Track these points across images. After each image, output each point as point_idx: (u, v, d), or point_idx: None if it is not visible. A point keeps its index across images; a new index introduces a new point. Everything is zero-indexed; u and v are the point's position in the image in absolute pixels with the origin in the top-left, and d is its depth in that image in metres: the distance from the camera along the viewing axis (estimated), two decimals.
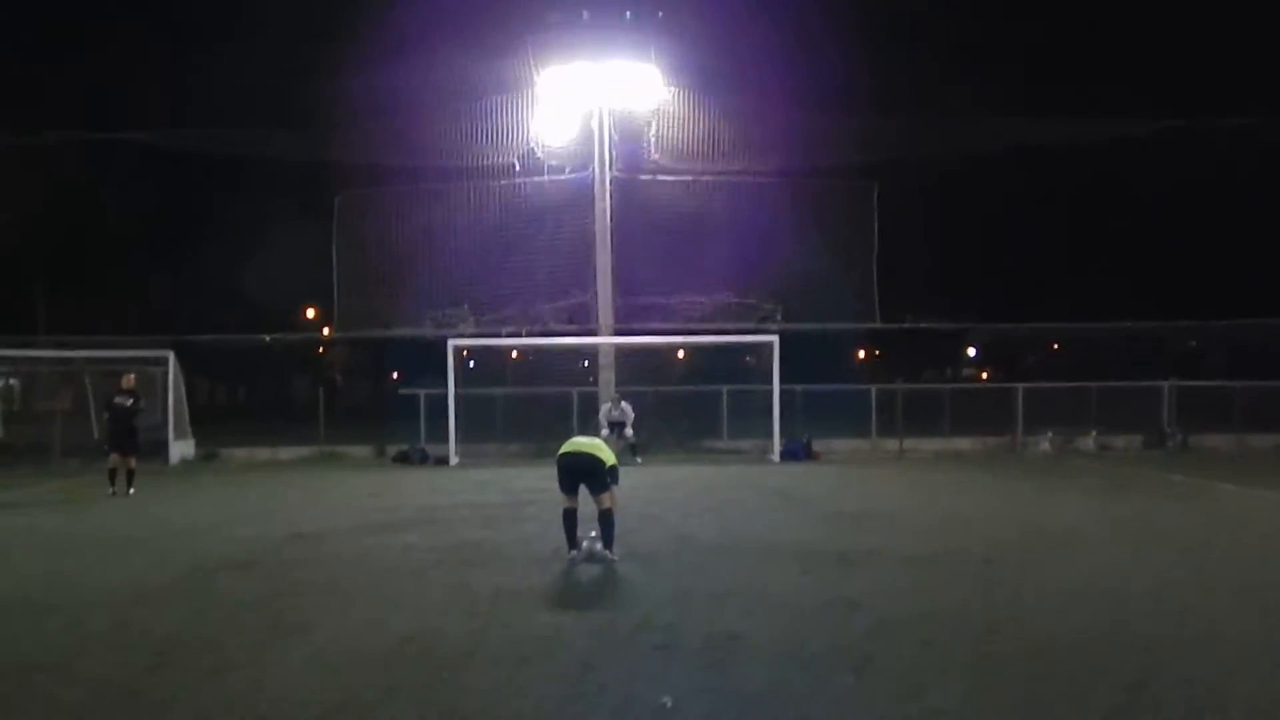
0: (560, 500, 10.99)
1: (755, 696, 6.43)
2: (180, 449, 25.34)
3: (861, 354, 68.17)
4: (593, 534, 11.24)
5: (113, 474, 18.00)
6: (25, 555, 12.20)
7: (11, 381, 29.21)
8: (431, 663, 7.25)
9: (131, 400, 18.37)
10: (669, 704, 6.23)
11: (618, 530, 10.99)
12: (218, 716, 6.24)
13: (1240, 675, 6.95)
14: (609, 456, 10.69)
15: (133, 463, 18.14)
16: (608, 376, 25.37)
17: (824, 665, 7.09)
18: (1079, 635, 7.90)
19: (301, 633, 8.14)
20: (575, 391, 27.20)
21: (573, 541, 10.78)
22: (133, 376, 19.25)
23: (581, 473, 10.63)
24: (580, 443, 10.95)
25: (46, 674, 7.19)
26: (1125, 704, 6.35)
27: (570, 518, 10.83)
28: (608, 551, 10.62)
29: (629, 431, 23.41)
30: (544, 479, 19.32)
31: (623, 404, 23.66)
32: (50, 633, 8.37)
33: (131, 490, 17.85)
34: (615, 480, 10.78)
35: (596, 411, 24.42)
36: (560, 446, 10.98)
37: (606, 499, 10.63)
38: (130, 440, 18.20)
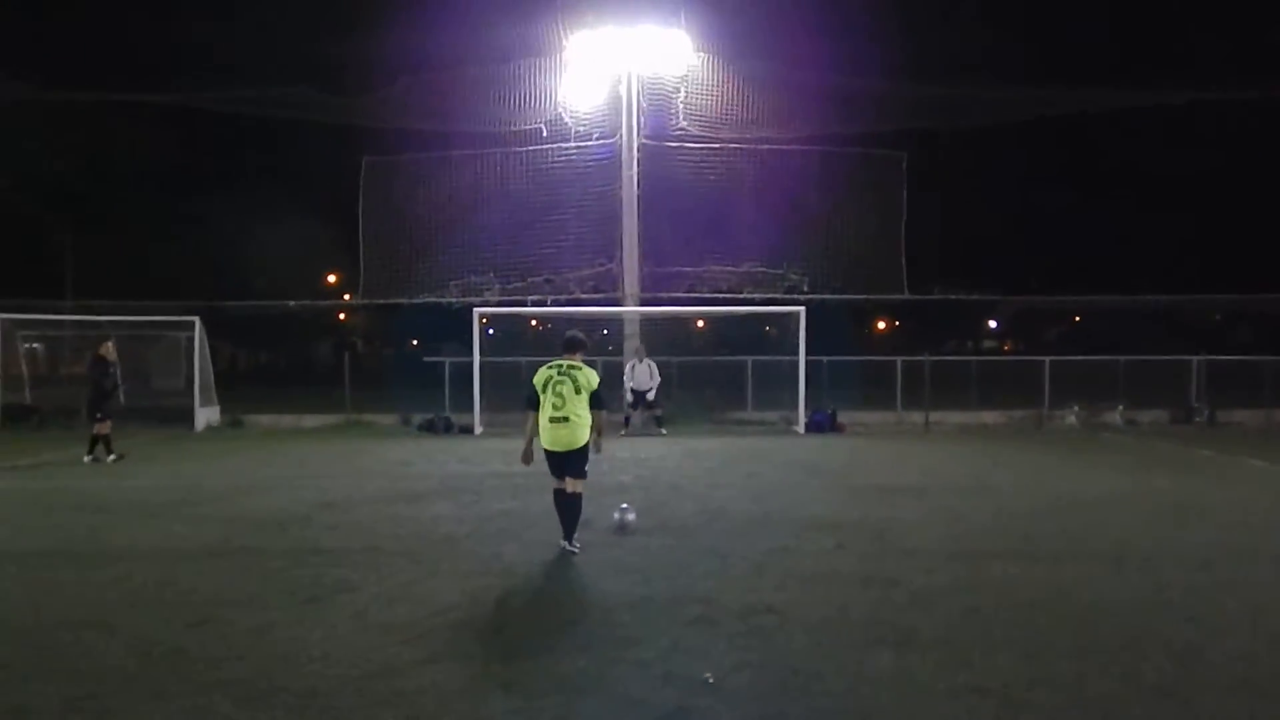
0: (551, 483, 10.19)
1: (797, 671, 6.39)
2: (205, 415, 25.40)
3: (882, 325, 67.98)
4: (624, 505, 11.23)
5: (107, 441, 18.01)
6: (65, 515, 12.26)
7: (35, 346, 29.30)
8: (471, 630, 7.28)
9: (113, 368, 18.46)
10: (711, 680, 6.20)
11: (648, 502, 10.90)
12: (264, 675, 6.29)
13: None
14: (584, 434, 9.86)
15: (108, 428, 18.06)
16: (634, 345, 25.25)
17: (865, 638, 7.06)
18: (1122, 608, 7.87)
19: (342, 595, 8.18)
20: (600, 361, 27.14)
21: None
22: (111, 344, 19.13)
23: (564, 461, 9.90)
24: (559, 433, 9.77)
25: (94, 630, 7.28)
26: (1175, 675, 6.32)
27: (560, 496, 10.06)
28: (566, 543, 9.85)
29: (652, 398, 23.24)
30: None
31: (648, 362, 23.44)
32: (95, 590, 8.46)
33: (89, 458, 17.75)
34: (586, 459, 10.04)
35: (621, 379, 24.24)
36: (546, 421, 9.84)
37: (579, 483, 10.00)
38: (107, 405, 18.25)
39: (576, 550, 9.78)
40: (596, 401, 9.93)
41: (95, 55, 39.52)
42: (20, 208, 38.25)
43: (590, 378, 9.92)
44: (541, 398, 9.84)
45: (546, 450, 9.91)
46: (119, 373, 18.90)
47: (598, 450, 10.15)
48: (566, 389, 9.78)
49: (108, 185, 40.52)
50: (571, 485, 9.91)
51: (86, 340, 26.72)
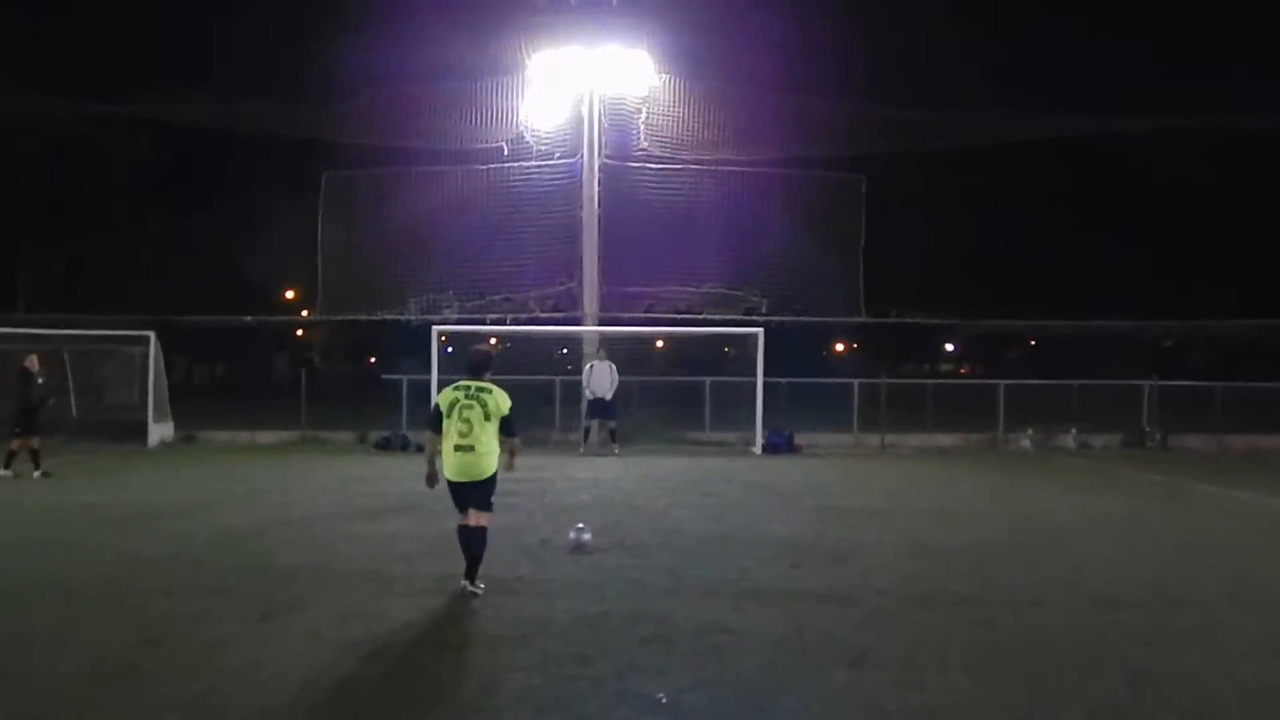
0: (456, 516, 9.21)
1: (751, 689, 6.42)
2: (159, 431, 25.12)
3: (840, 347, 68.36)
4: (580, 525, 11.22)
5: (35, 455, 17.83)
6: (11, 531, 12.11)
7: None
8: (426, 648, 7.27)
9: (38, 382, 18.35)
10: (664, 700, 6.21)
11: (604, 521, 10.80)
12: (217, 692, 6.25)
13: (1239, 667, 7.04)
14: (491, 464, 8.91)
15: (35, 443, 17.90)
16: (591, 351, 25.12)
17: (820, 657, 7.11)
18: (1076, 628, 7.98)
19: (295, 613, 8.13)
20: (558, 380, 27.12)
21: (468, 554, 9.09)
22: (35, 357, 18.98)
23: (469, 492, 8.96)
24: (464, 462, 8.81)
25: (43, 647, 7.20)
26: (1127, 695, 6.42)
27: (465, 533, 9.07)
28: (467, 583, 8.86)
29: (610, 398, 23.13)
30: (526, 468, 19.33)
31: (608, 362, 23.32)
32: (44, 607, 8.37)
33: (5, 471, 17.52)
34: (493, 491, 9.10)
35: (579, 398, 24.18)
36: (450, 449, 8.87)
37: (484, 516, 9.04)
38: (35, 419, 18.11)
39: (480, 591, 8.78)
40: (508, 429, 9.04)
41: (54, 63, 39.17)
42: None
43: (501, 402, 8.93)
44: (446, 423, 8.88)
45: (449, 480, 8.94)
46: (46, 386, 18.73)
47: (509, 469, 9.25)
48: (474, 415, 8.82)
49: (63, 195, 40.06)
50: (475, 518, 8.96)
51: (40, 354, 26.40)
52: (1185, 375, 33.59)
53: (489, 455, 8.89)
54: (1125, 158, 43.98)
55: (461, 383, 9.10)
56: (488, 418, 8.85)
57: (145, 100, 29.25)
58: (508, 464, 9.22)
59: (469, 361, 9.33)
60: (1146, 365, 33.76)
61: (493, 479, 9.00)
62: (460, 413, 8.85)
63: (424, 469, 9.02)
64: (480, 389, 8.98)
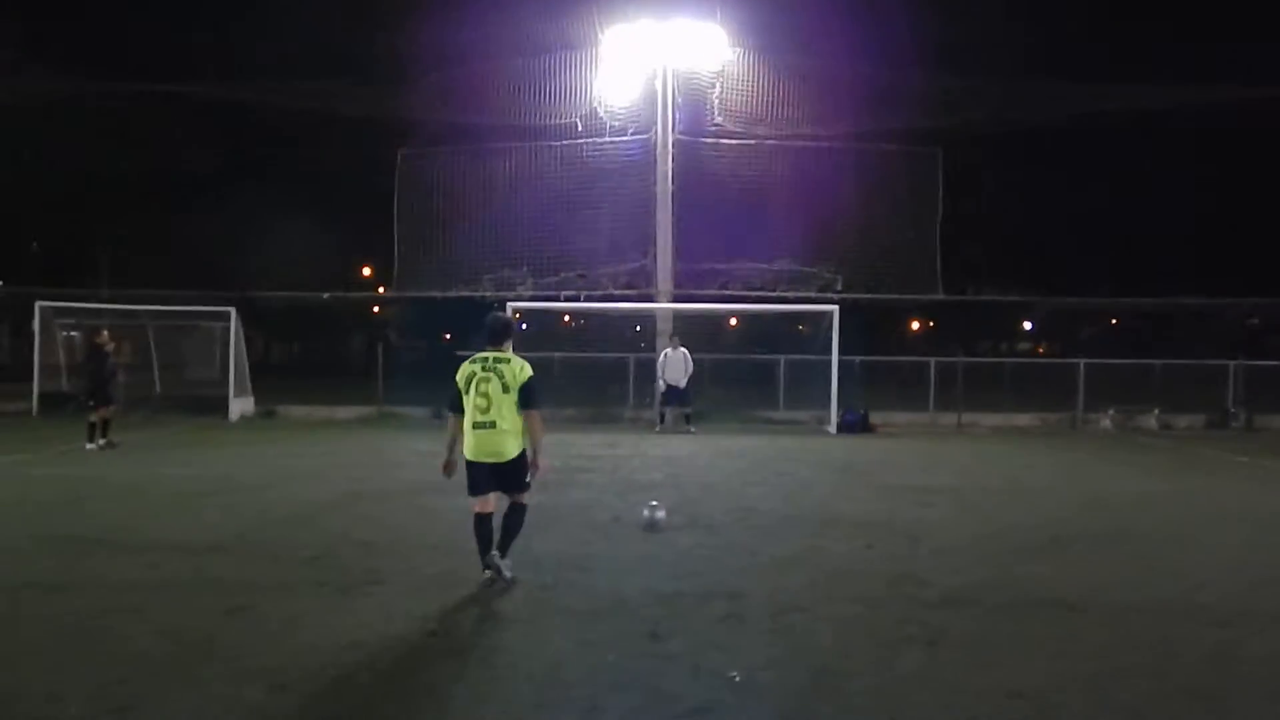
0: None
1: (825, 669, 6.36)
2: (240, 405, 25.57)
3: (916, 325, 67.64)
4: (654, 502, 11.20)
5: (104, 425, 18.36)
6: (98, 503, 12.33)
7: (73, 334, 29.56)
8: (500, 623, 7.30)
9: (110, 357, 19.06)
10: (738, 678, 6.17)
11: (678, 499, 10.70)
12: (295, 664, 6.30)
13: None
14: (515, 443, 8.20)
15: (107, 413, 18.48)
16: (666, 336, 25.15)
17: (895, 637, 7.03)
18: (1156, 609, 7.85)
19: (371, 587, 8.22)
20: (632, 357, 27.14)
21: (486, 550, 8.26)
22: (107, 332, 19.68)
23: (494, 477, 8.27)
24: (484, 441, 8.14)
25: (125, 617, 7.32)
26: (1207, 678, 6.28)
27: (484, 524, 8.32)
28: (496, 555, 8.20)
29: (684, 386, 23.06)
30: (599, 445, 19.53)
31: (682, 349, 23.25)
32: (127, 577, 8.51)
33: (92, 445, 17.99)
34: (525, 471, 8.36)
35: (655, 372, 24.13)
36: (469, 426, 8.21)
37: (521, 496, 8.44)
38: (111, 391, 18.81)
39: (508, 575, 8.20)
40: (528, 399, 8.17)
41: (134, 49, 39.75)
42: (59, 197, 38.60)
43: (520, 371, 8.19)
44: (465, 399, 8.22)
45: (469, 461, 8.23)
46: (114, 361, 19.45)
47: (534, 473, 8.36)
48: (492, 387, 8.11)
49: (145, 176, 40.79)
50: (514, 498, 8.38)
51: (123, 329, 26.96)
52: (1271, 355, 32.71)
53: (512, 433, 8.17)
54: (1211, 130, 42.88)
55: (479, 355, 8.34)
56: (506, 390, 8.11)
57: (220, 82, 29.67)
58: (532, 458, 8.29)
59: (487, 329, 8.43)
60: (1231, 344, 33.01)
61: (521, 461, 8.26)
62: (478, 386, 8.15)
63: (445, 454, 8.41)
64: (498, 359, 8.23)
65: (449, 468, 8.36)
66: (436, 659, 6.48)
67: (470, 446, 8.19)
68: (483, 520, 8.24)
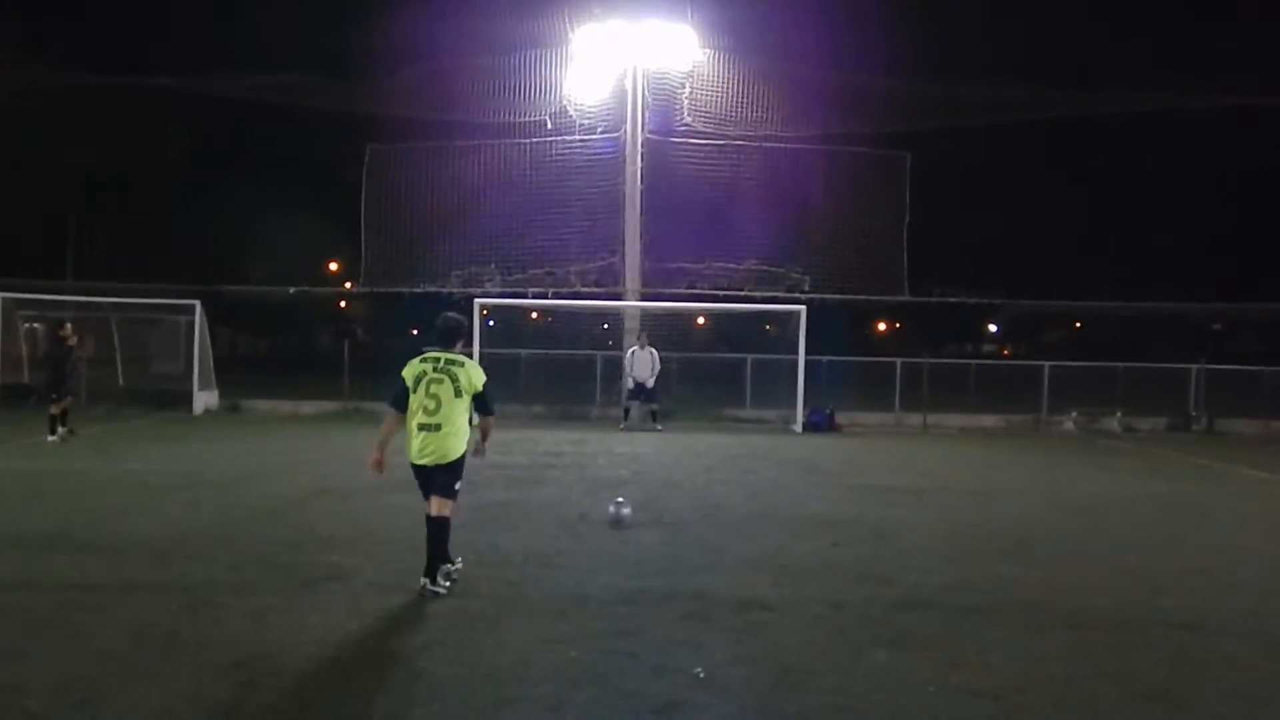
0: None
1: (790, 666, 6.39)
2: (204, 399, 25.39)
3: (883, 326, 68.03)
4: (619, 499, 11.21)
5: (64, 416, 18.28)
6: (61, 497, 12.25)
7: (35, 326, 29.29)
8: (465, 619, 7.27)
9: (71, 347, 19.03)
10: (702, 675, 6.19)
11: (644, 496, 10.70)
12: (259, 659, 6.28)
13: None
14: (458, 447, 8.02)
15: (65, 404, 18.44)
16: (634, 335, 25.20)
17: (859, 636, 7.06)
18: (1117, 611, 7.91)
19: (336, 583, 8.19)
20: (600, 355, 27.15)
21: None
22: (70, 325, 19.69)
23: (430, 477, 8.09)
24: (429, 443, 7.94)
25: (87, 612, 7.28)
26: (1167, 678, 6.34)
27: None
28: (426, 582, 7.89)
29: (651, 385, 23.08)
30: (567, 442, 19.51)
31: (650, 349, 23.29)
32: (90, 573, 8.45)
33: (52, 438, 17.92)
34: (459, 476, 8.15)
35: (621, 370, 24.17)
36: (414, 427, 8.01)
37: (446, 505, 8.09)
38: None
39: (443, 591, 7.85)
40: (483, 406, 8.13)
41: (101, 41, 39.51)
42: (23, 189, 38.22)
43: (475, 377, 8.04)
44: (411, 398, 7.99)
45: (413, 464, 8.07)
46: (74, 353, 19.39)
47: (480, 456, 8.38)
48: (444, 390, 7.92)
49: (111, 168, 40.50)
50: (437, 507, 8.03)
51: (86, 321, 26.73)
52: (1233, 359, 33.07)
53: (456, 436, 7.99)
54: (1174, 137, 43.36)
55: (430, 354, 8.11)
56: (458, 394, 7.94)
57: (188, 75, 29.48)
58: (477, 448, 8.32)
59: (438, 329, 8.22)
60: (1193, 348, 33.33)
61: (459, 462, 8.07)
62: (428, 387, 7.94)
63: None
64: (450, 361, 8.04)
65: (379, 465, 8.10)
66: (400, 654, 6.46)
67: (414, 448, 8.00)
68: (428, 519, 8.13)
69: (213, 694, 5.71)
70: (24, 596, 7.66)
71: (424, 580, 7.85)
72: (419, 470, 8.06)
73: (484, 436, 8.33)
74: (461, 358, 8.09)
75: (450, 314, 8.42)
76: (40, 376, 20.46)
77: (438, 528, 8.01)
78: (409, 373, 8.04)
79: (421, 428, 7.92)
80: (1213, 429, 25.94)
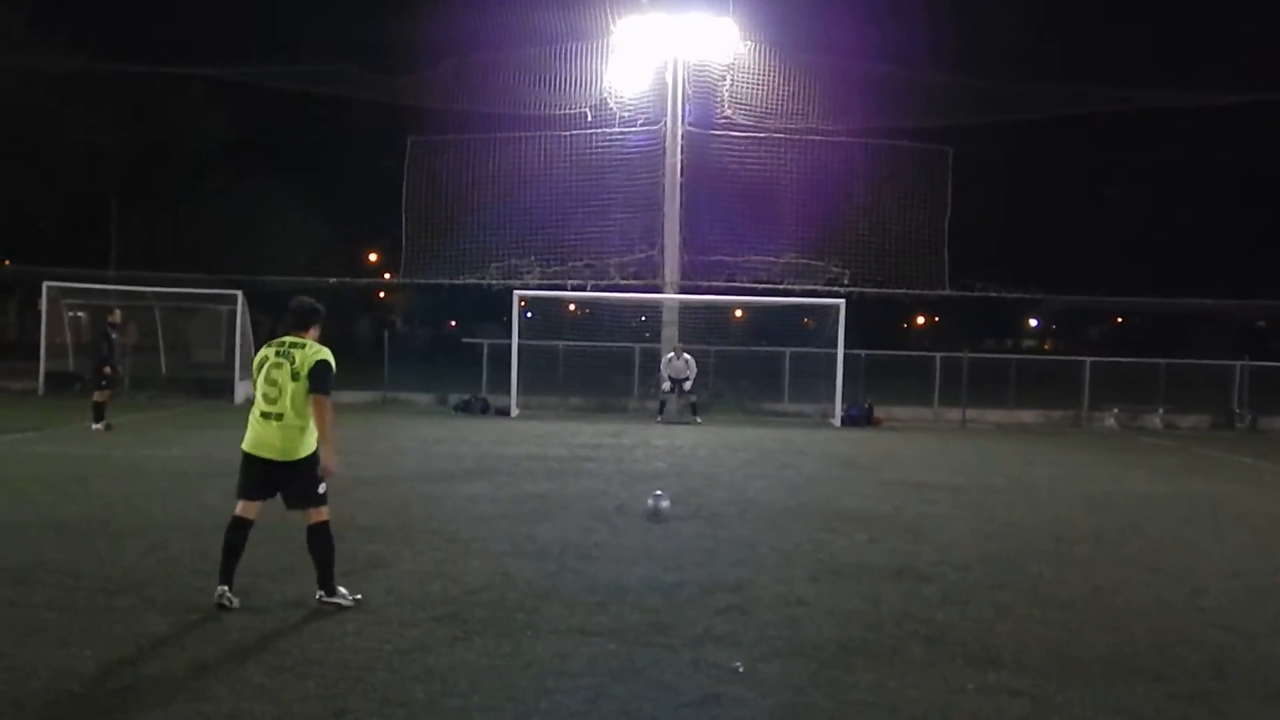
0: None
1: (827, 661, 6.37)
2: (245, 388, 25.56)
3: (922, 320, 67.64)
4: (658, 492, 11.22)
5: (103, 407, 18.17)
6: (103, 483, 12.39)
7: (80, 314, 29.65)
8: (503, 610, 7.28)
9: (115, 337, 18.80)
10: (740, 669, 6.19)
11: (681, 490, 10.65)
12: (298, 647, 6.33)
13: None
14: (305, 441, 7.15)
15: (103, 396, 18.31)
16: (670, 333, 25.26)
17: (896, 632, 7.04)
18: (1156, 611, 7.83)
19: (376, 570, 8.25)
20: (637, 347, 27.17)
21: (230, 572, 7.19)
22: (119, 312, 19.51)
23: (279, 477, 7.21)
24: (267, 434, 7.12)
25: (130, 597, 7.35)
26: (1208, 679, 6.28)
27: (240, 532, 7.29)
28: (323, 594, 7.20)
29: (688, 388, 23.25)
30: (604, 434, 19.56)
31: (685, 356, 23.39)
32: (132, 557, 8.55)
33: (98, 425, 17.83)
34: (317, 478, 7.23)
35: (658, 367, 24.33)
36: (255, 416, 7.21)
37: (322, 511, 7.27)
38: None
39: (345, 603, 7.15)
40: (317, 383, 7.05)
41: (146, 30, 39.90)
42: (68, 177, 38.64)
43: (311, 356, 7.10)
44: (254, 386, 7.32)
45: (247, 455, 7.23)
46: (117, 343, 19.25)
47: (326, 463, 7.21)
48: (282, 374, 7.08)
49: (154, 157, 40.87)
50: (315, 515, 7.22)
51: (130, 310, 27.01)
52: (1277, 357, 32.66)
53: (300, 429, 7.11)
54: (1220, 133, 42.86)
55: (277, 339, 7.38)
56: (295, 376, 7.06)
57: (233, 66, 29.74)
58: (322, 465, 7.20)
59: (290, 311, 7.50)
60: (1237, 346, 32.94)
61: (312, 462, 7.18)
62: (268, 373, 7.15)
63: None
64: (294, 344, 7.21)
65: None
66: (440, 644, 6.48)
67: (251, 439, 7.20)
68: (241, 526, 7.25)
69: (253, 679, 5.76)
70: (67, 580, 7.74)
71: (320, 592, 7.20)
72: (252, 463, 7.21)
73: (321, 436, 7.17)
74: (307, 341, 7.27)
75: (304, 297, 7.66)
76: (86, 364, 20.61)
77: (316, 534, 7.23)
78: (255, 360, 7.41)
79: (264, 416, 7.13)
80: (1256, 427, 25.67)
